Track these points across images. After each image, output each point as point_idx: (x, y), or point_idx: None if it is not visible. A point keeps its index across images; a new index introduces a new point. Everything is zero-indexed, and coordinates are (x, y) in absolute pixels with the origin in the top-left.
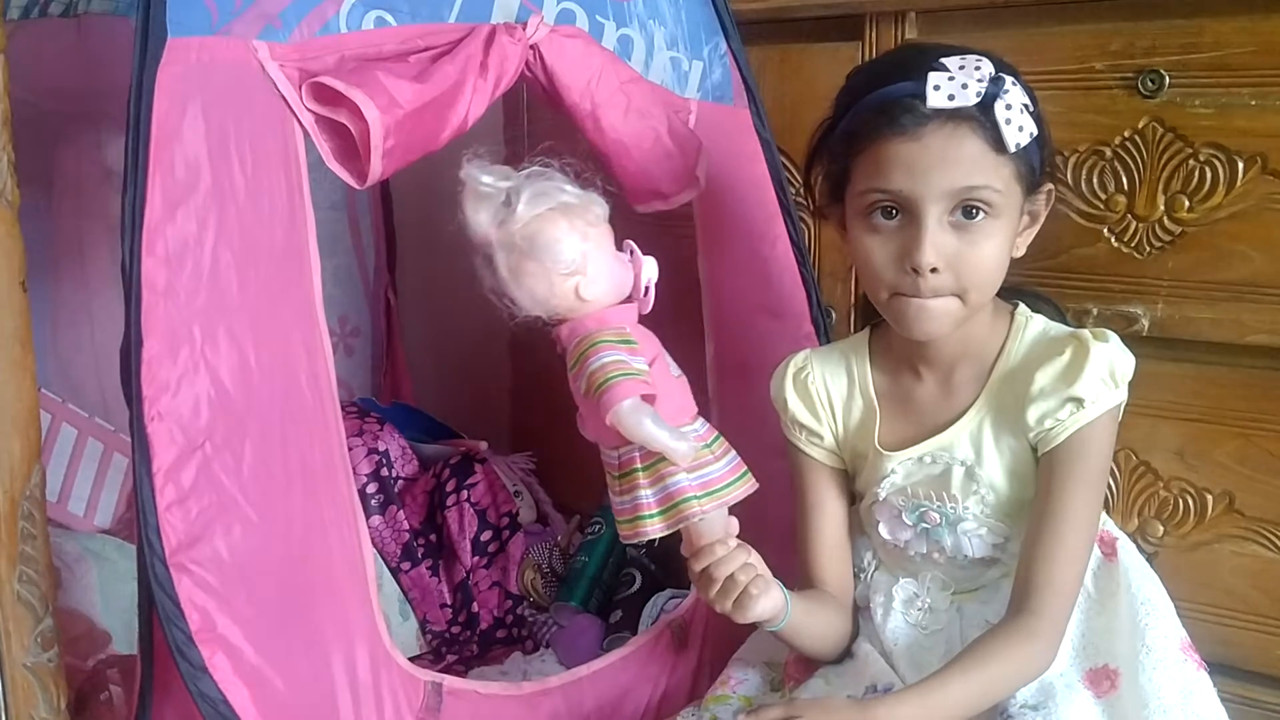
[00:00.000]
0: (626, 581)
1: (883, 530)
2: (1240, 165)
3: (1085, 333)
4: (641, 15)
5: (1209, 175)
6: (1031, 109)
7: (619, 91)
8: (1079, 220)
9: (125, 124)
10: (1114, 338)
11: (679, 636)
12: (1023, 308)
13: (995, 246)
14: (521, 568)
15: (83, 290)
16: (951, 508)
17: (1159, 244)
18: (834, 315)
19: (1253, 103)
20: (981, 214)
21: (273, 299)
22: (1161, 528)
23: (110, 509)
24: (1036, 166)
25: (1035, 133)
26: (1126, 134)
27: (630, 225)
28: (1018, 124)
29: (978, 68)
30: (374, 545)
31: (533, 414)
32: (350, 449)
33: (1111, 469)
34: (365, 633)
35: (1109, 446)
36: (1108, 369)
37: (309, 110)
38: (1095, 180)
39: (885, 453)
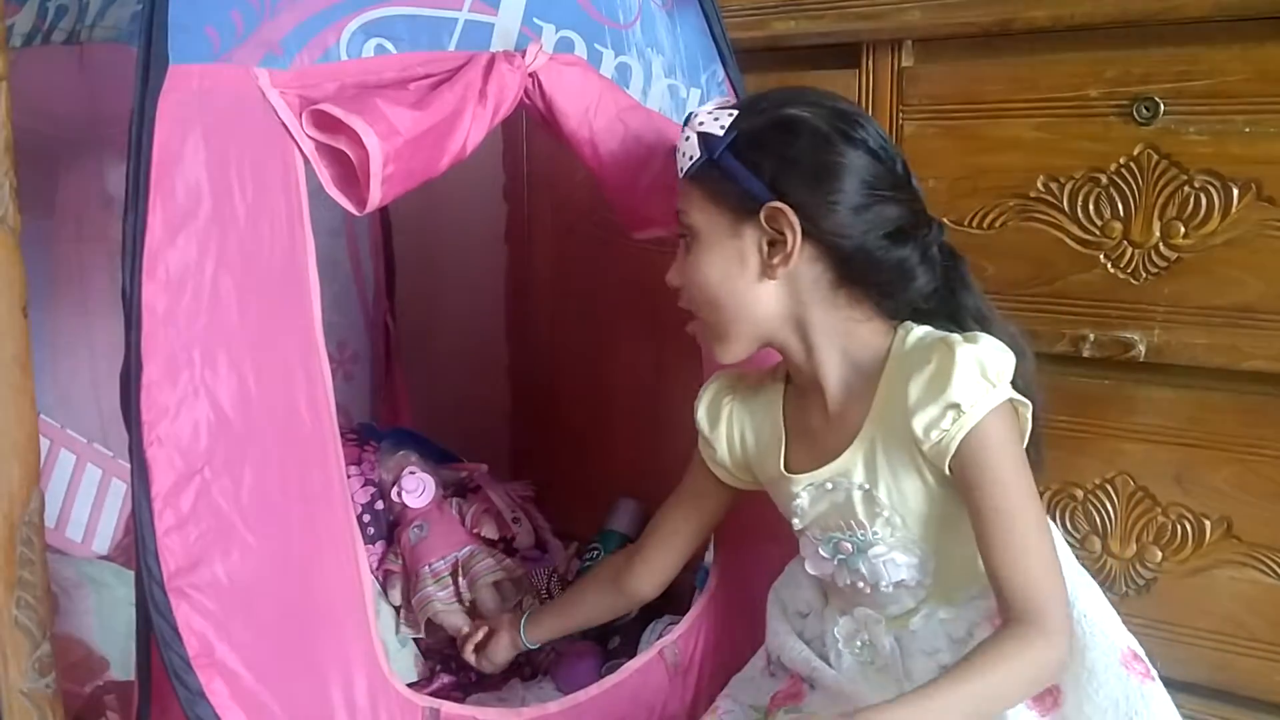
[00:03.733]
0: None
1: (809, 566)
2: (1235, 192)
3: (953, 336)
4: (640, 43)
5: (1204, 202)
6: (723, 134)
7: (617, 119)
8: (1075, 246)
9: (126, 150)
10: (985, 338)
11: (672, 661)
12: (906, 323)
13: (704, 268)
14: (519, 594)
15: (82, 315)
16: (861, 534)
17: (1155, 270)
18: None
19: (1247, 129)
20: (687, 236)
21: (273, 324)
22: (1159, 554)
23: (108, 535)
24: (751, 189)
25: (698, 155)
26: (1121, 161)
27: (627, 251)
28: (684, 150)
29: (698, 110)
30: (372, 571)
31: (532, 438)
32: (349, 477)
33: (1109, 494)
34: (363, 658)
35: (1010, 441)
36: (978, 369)
37: (309, 137)
38: (1091, 207)
39: (789, 475)
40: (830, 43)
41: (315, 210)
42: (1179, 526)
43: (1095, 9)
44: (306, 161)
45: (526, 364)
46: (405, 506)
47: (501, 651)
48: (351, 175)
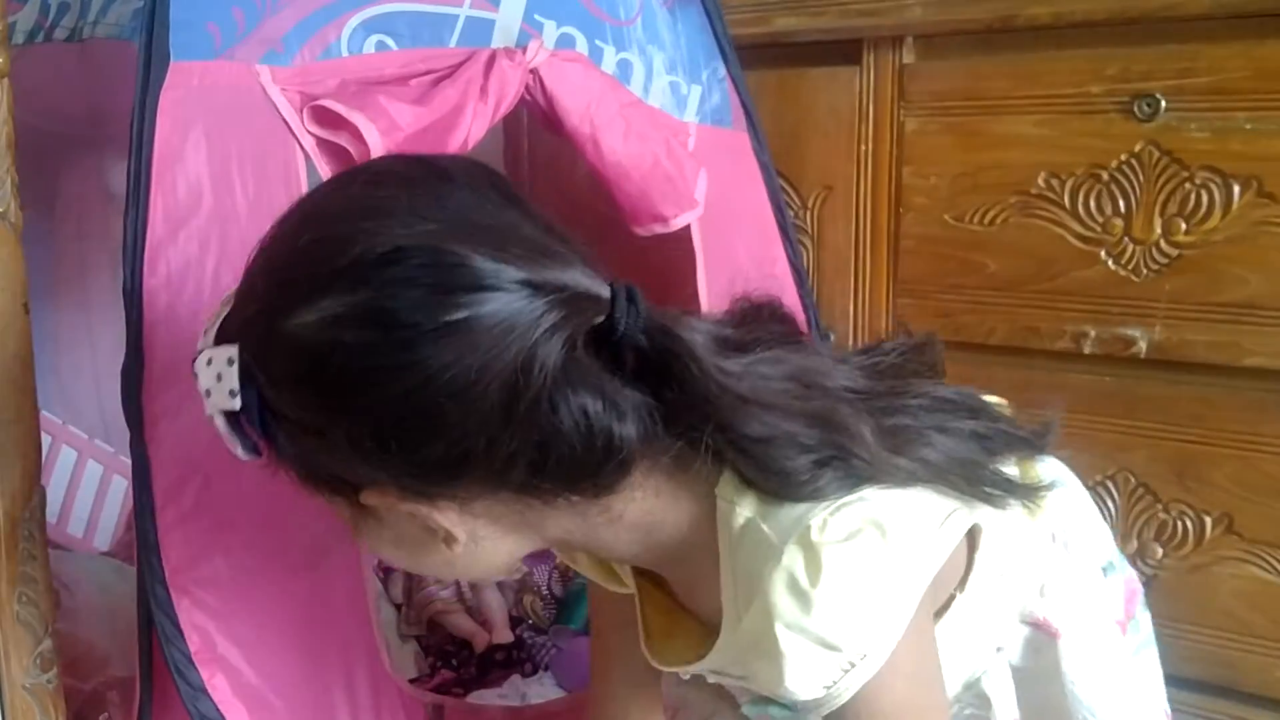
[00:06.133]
0: None
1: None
2: (1236, 188)
3: (788, 557)
4: (641, 40)
5: (1205, 198)
6: (239, 394)
7: (618, 115)
8: (1076, 243)
9: (128, 147)
10: (842, 556)
11: None
12: (724, 487)
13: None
14: (520, 591)
15: (84, 312)
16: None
17: (1156, 267)
18: (833, 337)
19: (1248, 126)
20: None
21: None
22: (1160, 550)
23: (109, 531)
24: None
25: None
26: (1123, 157)
27: (629, 247)
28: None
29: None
30: (372, 568)
31: None
32: None
33: (1110, 491)
34: (365, 654)
35: (918, 661)
36: (852, 604)
37: (310, 133)
38: (1092, 203)
39: (662, 669)
40: (831, 39)
41: None
42: (1180, 523)
43: (1097, 6)
44: (308, 158)
45: None
46: None
47: None
48: None
